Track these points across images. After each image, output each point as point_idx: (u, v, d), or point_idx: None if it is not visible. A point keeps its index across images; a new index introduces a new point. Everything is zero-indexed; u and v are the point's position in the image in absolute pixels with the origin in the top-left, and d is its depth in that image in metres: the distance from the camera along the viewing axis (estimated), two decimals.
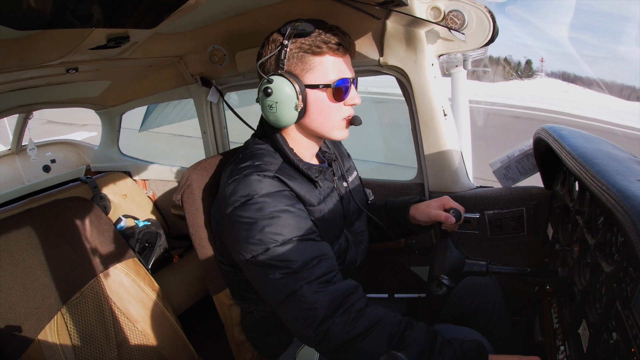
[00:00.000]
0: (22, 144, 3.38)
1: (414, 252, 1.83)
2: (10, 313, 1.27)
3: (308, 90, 1.14)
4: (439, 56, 1.53)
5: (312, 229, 1.13)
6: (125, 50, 1.45)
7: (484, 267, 1.20)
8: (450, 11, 1.35)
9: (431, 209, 1.37)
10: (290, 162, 1.19)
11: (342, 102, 1.18)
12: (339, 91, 1.15)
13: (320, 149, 1.35)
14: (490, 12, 1.34)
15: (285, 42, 1.11)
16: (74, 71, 1.56)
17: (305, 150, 1.27)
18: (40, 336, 1.30)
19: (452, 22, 1.36)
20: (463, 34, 1.37)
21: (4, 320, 1.26)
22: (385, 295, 1.45)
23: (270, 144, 1.23)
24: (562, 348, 1.01)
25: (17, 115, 3.02)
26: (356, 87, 1.22)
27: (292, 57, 1.13)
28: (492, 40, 1.37)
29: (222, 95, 2.15)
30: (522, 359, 0.99)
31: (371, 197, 1.55)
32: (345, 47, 1.15)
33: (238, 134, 1.94)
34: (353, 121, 1.22)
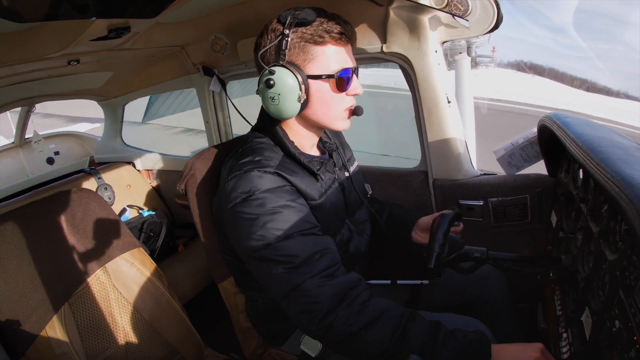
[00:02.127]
0: (26, 137, 3.40)
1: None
2: (17, 305, 1.29)
3: (310, 81, 1.12)
4: (443, 43, 1.51)
5: (314, 224, 1.12)
6: (127, 41, 1.44)
7: (483, 252, 1.20)
8: None
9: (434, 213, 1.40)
10: (291, 156, 1.18)
11: (345, 93, 1.16)
12: (341, 81, 1.13)
13: (320, 139, 1.34)
14: None
15: (286, 31, 1.08)
16: (76, 63, 1.55)
17: (306, 142, 1.26)
18: (48, 327, 1.31)
19: (455, 8, 1.34)
20: (467, 20, 1.35)
21: (12, 313, 1.28)
22: (388, 282, 1.45)
23: (270, 137, 1.21)
24: (565, 335, 1.02)
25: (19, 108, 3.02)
26: (357, 77, 1.20)
27: (293, 47, 1.10)
28: (496, 26, 1.34)
29: (224, 84, 2.14)
30: (525, 346, 0.99)
31: (370, 192, 1.54)
32: (347, 36, 1.12)
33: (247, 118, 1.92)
34: (355, 111, 1.21)
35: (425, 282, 1.43)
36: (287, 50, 1.10)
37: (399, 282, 1.46)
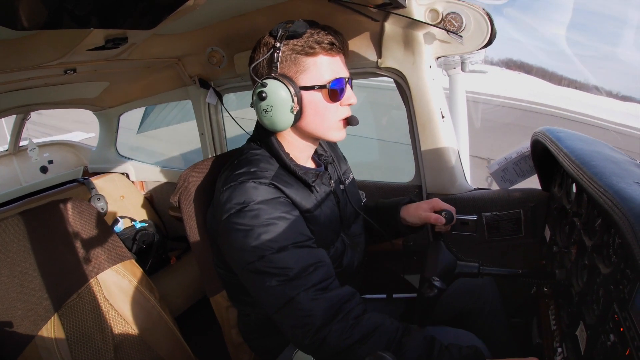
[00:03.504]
0: (20, 145, 3.38)
1: (412, 257, 1.83)
2: (7, 314, 1.27)
3: (303, 92, 1.13)
4: (437, 58, 1.53)
5: (309, 236, 1.12)
6: (124, 51, 1.45)
7: (475, 268, 1.20)
8: (449, 13, 1.35)
9: (421, 211, 1.38)
10: (287, 168, 1.18)
11: (338, 103, 1.17)
12: (334, 92, 1.14)
13: (316, 151, 1.34)
14: (488, 14, 1.34)
15: (277, 44, 1.10)
16: (72, 72, 1.56)
17: (301, 153, 1.26)
18: (37, 338, 1.29)
19: (450, 24, 1.36)
20: (461, 36, 1.37)
21: (1, 322, 1.25)
22: (384, 296, 1.44)
23: (265, 149, 1.22)
24: (559, 350, 1.01)
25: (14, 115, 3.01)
26: (351, 87, 1.21)
27: (285, 59, 1.12)
28: (490, 42, 1.37)
29: (220, 97, 2.14)
30: None
31: (364, 200, 1.54)
32: (338, 46, 1.14)
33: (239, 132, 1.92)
34: (350, 121, 1.21)
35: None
36: (279, 63, 1.11)
37: (394, 296, 1.45)
